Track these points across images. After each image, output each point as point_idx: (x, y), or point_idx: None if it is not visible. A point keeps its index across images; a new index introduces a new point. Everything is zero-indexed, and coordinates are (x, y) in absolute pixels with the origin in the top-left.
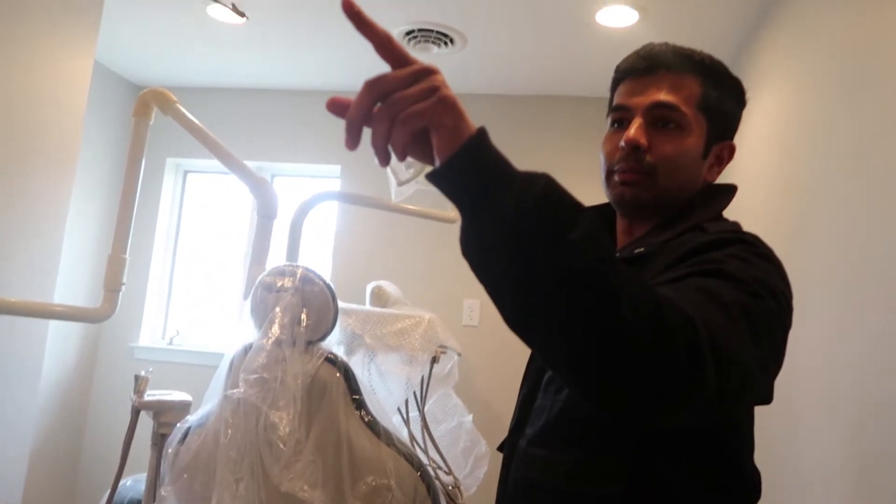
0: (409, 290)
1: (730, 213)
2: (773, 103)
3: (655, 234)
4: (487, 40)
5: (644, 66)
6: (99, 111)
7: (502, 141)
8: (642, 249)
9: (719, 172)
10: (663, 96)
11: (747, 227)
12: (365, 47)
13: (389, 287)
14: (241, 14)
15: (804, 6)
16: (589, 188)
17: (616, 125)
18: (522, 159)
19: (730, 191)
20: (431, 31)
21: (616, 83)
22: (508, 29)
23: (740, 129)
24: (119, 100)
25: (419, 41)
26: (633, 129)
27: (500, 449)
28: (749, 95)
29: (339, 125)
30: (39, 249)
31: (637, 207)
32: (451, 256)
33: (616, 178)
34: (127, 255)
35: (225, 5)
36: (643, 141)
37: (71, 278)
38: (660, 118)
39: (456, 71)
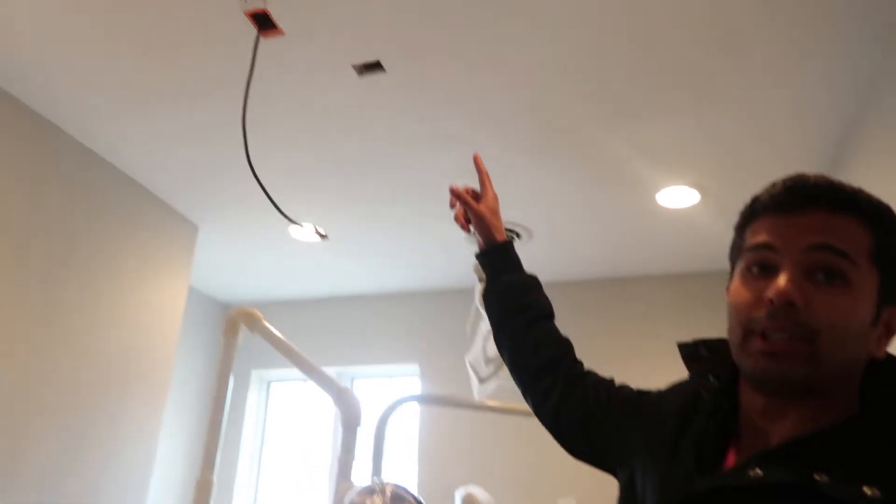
0: (497, 492)
1: None
2: None
3: (857, 448)
4: (551, 231)
5: (797, 201)
6: (188, 330)
7: (573, 327)
8: (878, 494)
9: (886, 346)
10: (826, 238)
11: None
12: (430, 253)
13: (481, 495)
14: (322, 235)
15: (867, 173)
16: (659, 364)
17: (756, 269)
18: (592, 342)
19: None
20: None
21: (749, 218)
22: (571, 218)
23: None
24: (207, 317)
25: None
26: (786, 280)
27: None
28: None
29: (414, 325)
30: (131, 468)
31: (785, 387)
32: (541, 452)
33: (758, 344)
34: (214, 477)
35: (307, 228)
36: (799, 297)
37: (161, 499)
38: (821, 266)
39: (524, 263)
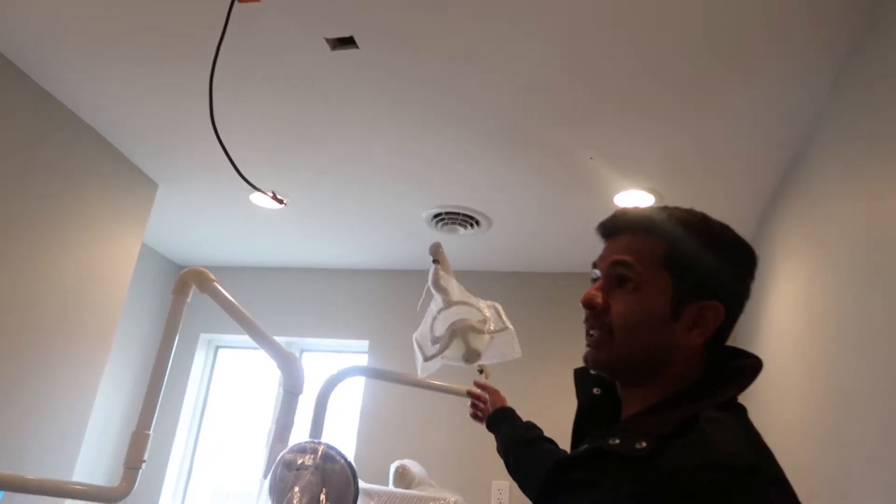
0: (434, 470)
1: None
2: (794, 287)
3: (651, 418)
4: (511, 222)
5: (606, 230)
6: (139, 288)
7: (526, 315)
8: (644, 444)
9: (704, 335)
10: (618, 255)
11: (778, 415)
12: (388, 232)
13: (414, 467)
14: (280, 201)
15: (813, 194)
16: None
17: (591, 282)
18: (544, 332)
19: (745, 369)
20: (458, 213)
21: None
22: (531, 212)
23: (764, 307)
24: (159, 277)
25: (446, 223)
26: (591, 289)
27: None
28: (767, 274)
29: (366, 302)
30: (66, 424)
31: (601, 369)
32: (479, 436)
33: (586, 340)
34: (151, 432)
35: (265, 193)
36: (599, 300)
37: (95, 453)
38: (616, 276)
39: (480, 250)
